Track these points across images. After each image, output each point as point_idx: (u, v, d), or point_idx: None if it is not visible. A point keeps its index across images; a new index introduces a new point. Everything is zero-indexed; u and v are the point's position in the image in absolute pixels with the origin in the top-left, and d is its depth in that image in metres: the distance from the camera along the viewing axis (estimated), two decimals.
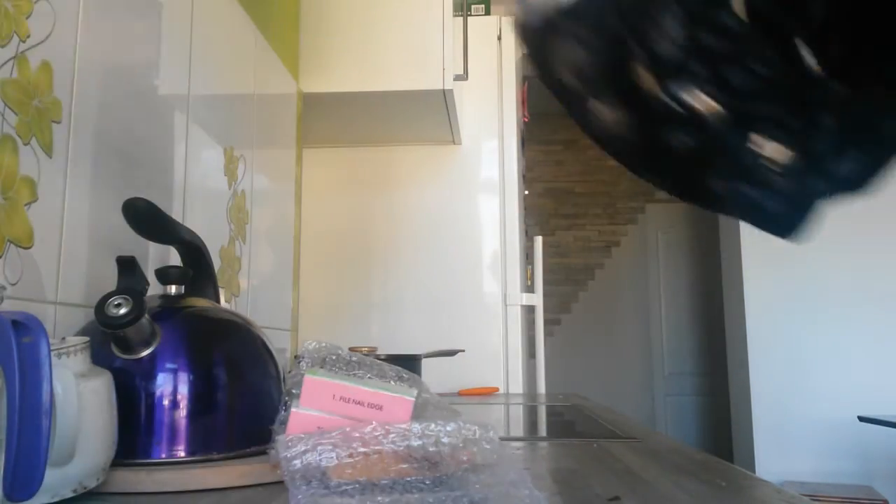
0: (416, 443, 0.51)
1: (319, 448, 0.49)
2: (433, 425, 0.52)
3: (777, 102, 0.37)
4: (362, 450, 0.50)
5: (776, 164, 0.37)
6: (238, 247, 1.25)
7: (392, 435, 0.51)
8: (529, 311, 2.27)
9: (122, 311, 0.56)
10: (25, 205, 0.66)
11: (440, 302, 2.00)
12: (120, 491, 0.55)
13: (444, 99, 1.68)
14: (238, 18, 1.26)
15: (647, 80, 0.37)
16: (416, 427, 0.52)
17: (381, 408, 0.57)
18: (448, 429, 0.52)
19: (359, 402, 0.57)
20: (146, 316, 0.59)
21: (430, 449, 0.50)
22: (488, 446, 0.53)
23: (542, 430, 1.14)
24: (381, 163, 2.07)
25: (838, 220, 3.43)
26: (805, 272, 3.44)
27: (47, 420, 0.43)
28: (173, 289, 0.69)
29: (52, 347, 0.46)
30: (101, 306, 0.57)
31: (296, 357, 0.73)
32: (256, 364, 0.69)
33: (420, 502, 0.47)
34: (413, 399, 0.58)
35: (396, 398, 0.57)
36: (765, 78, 0.37)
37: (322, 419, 0.57)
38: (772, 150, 0.37)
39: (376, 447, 0.50)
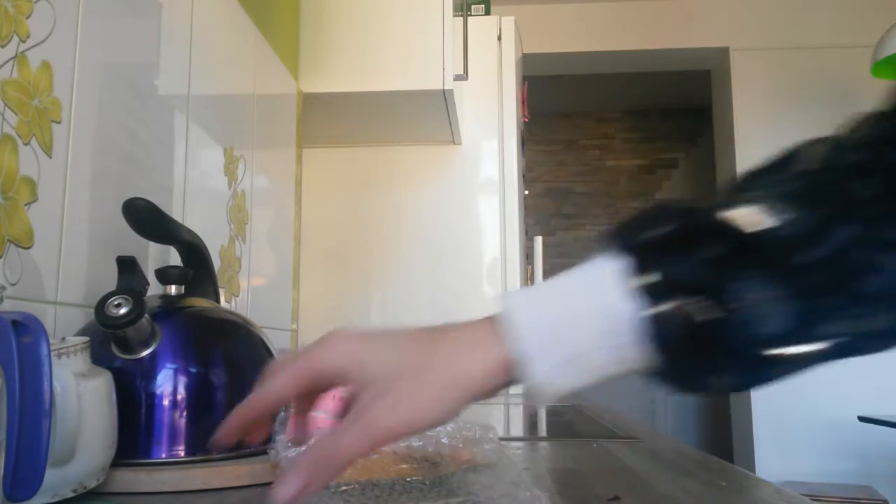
0: (416, 443, 0.50)
1: None
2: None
3: None
4: None
5: None
6: (238, 247, 1.25)
7: None
8: None
9: (122, 311, 0.56)
10: (25, 205, 0.66)
11: (440, 302, 1.99)
12: (120, 491, 0.55)
13: (444, 99, 1.68)
14: (238, 18, 1.26)
15: None
16: None
17: None
18: (448, 429, 0.52)
19: None
20: (146, 316, 0.59)
21: (430, 449, 0.50)
22: (488, 446, 0.53)
23: (542, 430, 1.14)
24: (381, 163, 2.07)
25: None
26: None
27: (47, 420, 0.43)
28: (173, 289, 0.69)
29: (52, 347, 0.46)
30: (101, 306, 0.57)
31: None
32: (256, 364, 0.69)
33: (420, 502, 0.47)
34: None
35: None
36: None
37: (322, 419, 0.57)
38: None
39: None
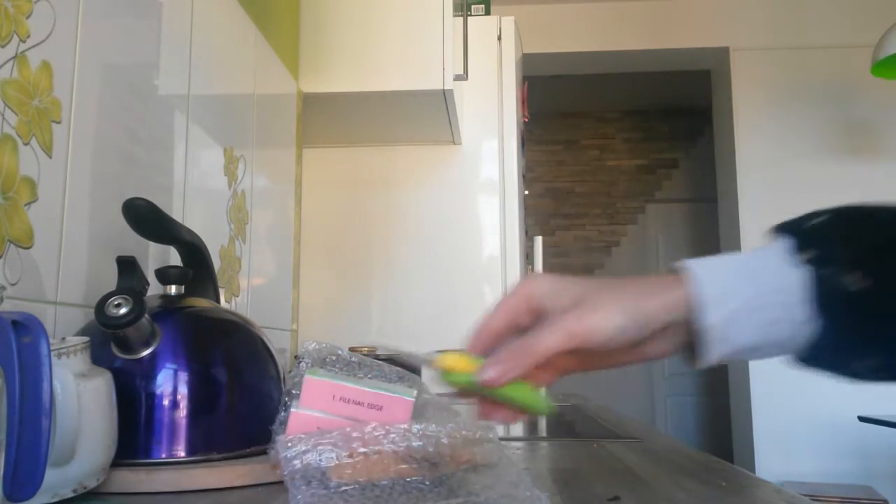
0: (416, 443, 0.50)
1: (319, 448, 0.49)
2: (433, 426, 0.52)
3: None
4: (362, 450, 0.50)
5: None
6: (238, 247, 1.25)
7: (392, 435, 0.51)
8: None
9: (122, 311, 0.56)
10: (25, 205, 0.66)
11: (440, 302, 2.00)
12: (120, 491, 0.55)
13: (444, 99, 1.68)
14: (238, 18, 1.26)
15: None
16: (416, 427, 0.52)
17: (381, 408, 0.57)
18: (448, 429, 0.51)
19: (359, 403, 0.57)
20: (146, 316, 0.59)
21: (430, 449, 0.50)
22: (488, 446, 0.53)
23: (542, 430, 1.14)
24: (380, 163, 2.07)
25: None
26: None
27: (47, 420, 0.43)
28: (173, 289, 0.69)
29: (52, 347, 0.46)
30: (101, 306, 0.57)
31: (296, 357, 0.72)
32: (256, 364, 0.69)
33: (420, 503, 0.47)
34: (413, 399, 0.58)
35: (396, 398, 0.57)
36: None
37: (322, 419, 0.57)
38: None
39: (376, 447, 0.50)
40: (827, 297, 0.40)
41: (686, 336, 0.44)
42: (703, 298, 0.42)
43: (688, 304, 0.43)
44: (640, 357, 0.47)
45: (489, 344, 0.48)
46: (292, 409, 0.58)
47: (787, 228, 0.44)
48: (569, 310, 0.44)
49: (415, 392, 0.59)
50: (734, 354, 0.43)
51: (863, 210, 0.43)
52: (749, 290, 0.42)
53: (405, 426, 0.52)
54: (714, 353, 0.43)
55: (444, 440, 0.51)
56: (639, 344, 0.45)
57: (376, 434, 0.51)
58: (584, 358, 0.48)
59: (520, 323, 0.48)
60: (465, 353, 0.48)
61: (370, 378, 0.62)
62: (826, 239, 0.42)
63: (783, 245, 0.43)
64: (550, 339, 0.43)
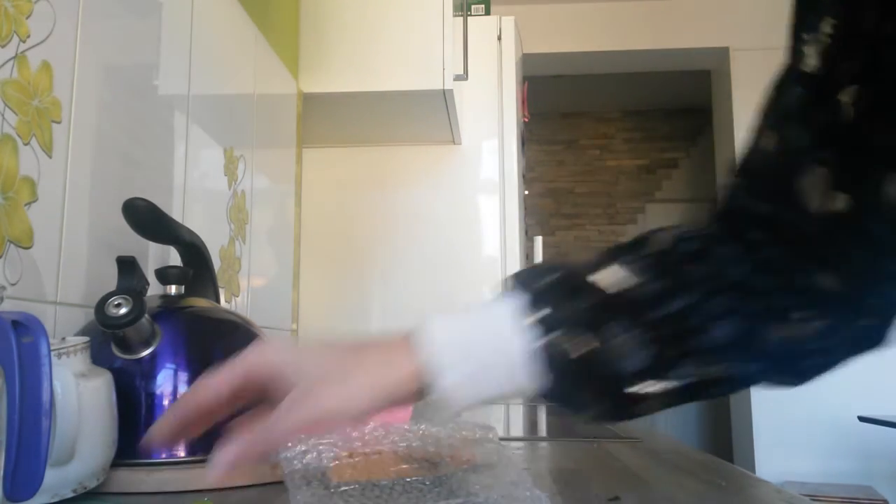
0: (416, 443, 0.50)
1: (319, 448, 0.49)
2: (433, 426, 0.52)
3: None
4: (362, 450, 0.50)
5: None
6: (238, 247, 1.25)
7: (392, 435, 0.51)
8: None
9: (122, 311, 0.56)
10: (25, 205, 0.66)
11: (440, 302, 1.99)
12: (120, 491, 0.55)
13: (444, 99, 1.68)
14: (238, 18, 1.26)
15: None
16: (416, 427, 0.52)
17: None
18: (448, 429, 0.51)
19: None
20: (146, 316, 0.59)
21: (430, 449, 0.50)
22: (489, 447, 0.53)
23: (542, 430, 1.14)
24: (381, 163, 2.07)
25: None
26: None
27: (47, 420, 0.43)
28: (173, 289, 0.69)
29: (52, 347, 0.46)
30: (101, 306, 0.57)
31: None
32: None
33: (420, 503, 0.47)
34: None
35: None
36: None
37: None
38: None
39: (376, 447, 0.50)
40: (549, 363, 0.42)
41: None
42: (433, 368, 0.44)
43: (419, 377, 0.44)
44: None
45: (198, 423, 0.45)
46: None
47: (520, 282, 0.46)
48: (314, 385, 0.42)
49: None
50: (468, 409, 0.46)
51: (586, 277, 0.45)
52: (478, 354, 0.44)
53: (405, 426, 0.52)
54: (446, 413, 0.46)
55: (445, 440, 0.51)
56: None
57: (376, 434, 0.51)
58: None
59: (240, 399, 0.45)
60: None
61: None
62: (553, 299, 0.44)
63: (514, 303, 0.44)
64: (300, 420, 0.42)
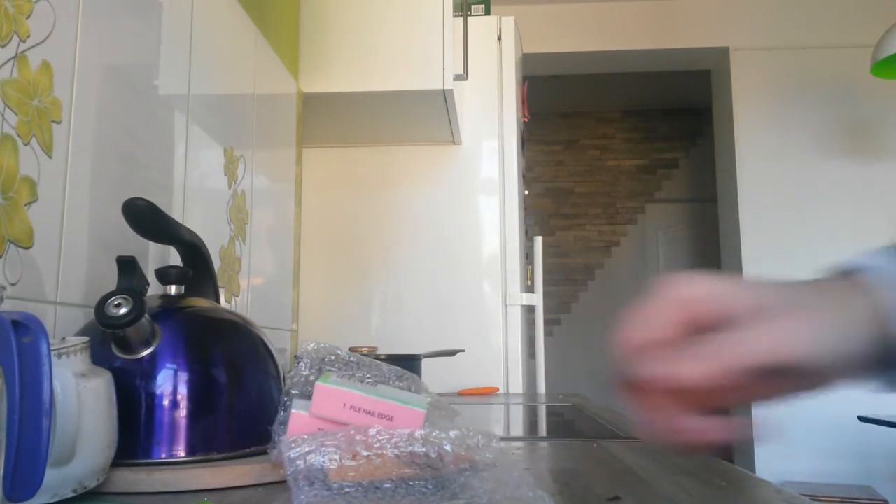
0: (418, 448, 0.50)
1: (323, 449, 0.49)
2: (436, 431, 0.52)
3: None
4: (365, 453, 0.50)
5: None
6: (238, 247, 1.24)
7: (395, 439, 0.51)
8: (529, 311, 2.27)
9: (122, 311, 0.56)
10: (25, 205, 0.66)
11: (440, 302, 2.00)
12: (120, 491, 0.55)
13: (444, 99, 1.68)
14: (238, 18, 1.26)
15: None
16: (419, 432, 0.52)
17: (391, 418, 0.56)
18: (451, 435, 0.51)
19: (369, 412, 0.56)
20: (146, 316, 0.59)
21: (433, 455, 0.50)
22: (490, 452, 0.53)
23: (542, 430, 1.14)
24: (381, 163, 2.07)
25: (838, 218, 3.43)
26: (804, 271, 3.44)
27: (47, 420, 0.43)
28: (173, 289, 0.69)
29: (52, 347, 0.46)
30: (101, 306, 0.57)
31: (296, 357, 0.72)
32: (256, 364, 0.69)
33: None
34: (424, 411, 0.57)
35: (407, 409, 0.57)
36: None
37: (322, 420, 0.57)
38: None
39: (379, 451, 0.50)
40: None
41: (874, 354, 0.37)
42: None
43: (877, 316, 0.36)
44: (822, 383, 0.38)
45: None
46: (293, 411, 0.57)
47: None
48: (743, 328, 0.36)
49: (427, 402, 0.59)
50: None
51: None
52: None
53: (408, 431, 0.52)
54: None
55: (447, 445, 0.51)
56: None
57: (380, 438, 0.51)
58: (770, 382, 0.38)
59: (673, 338, 0.39)
60: None
61: (381, 385, 0.62)
62: None
63: None
64: (757, 348, 0.35)
